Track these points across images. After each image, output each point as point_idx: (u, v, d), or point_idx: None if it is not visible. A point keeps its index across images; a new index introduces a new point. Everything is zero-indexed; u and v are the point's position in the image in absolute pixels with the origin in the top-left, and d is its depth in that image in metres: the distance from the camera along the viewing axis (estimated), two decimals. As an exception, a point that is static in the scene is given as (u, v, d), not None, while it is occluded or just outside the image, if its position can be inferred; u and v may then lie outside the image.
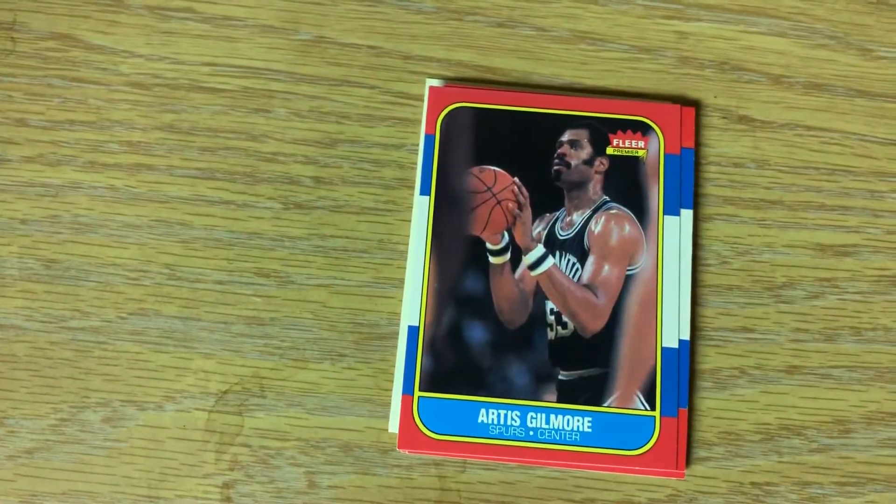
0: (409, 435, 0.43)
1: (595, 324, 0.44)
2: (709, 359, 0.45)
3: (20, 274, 0.45)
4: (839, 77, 0.49)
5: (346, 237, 0.46)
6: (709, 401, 0.45)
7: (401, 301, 0.45)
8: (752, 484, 0.44)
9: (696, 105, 0.48)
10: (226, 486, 0.43)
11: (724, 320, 0.45)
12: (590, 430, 0.43)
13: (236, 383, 0.44)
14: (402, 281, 0.46)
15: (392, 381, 0.44)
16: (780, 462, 0.44)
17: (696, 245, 0.46)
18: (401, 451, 0.43)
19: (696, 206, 0.47)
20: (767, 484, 0.44)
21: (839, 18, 0.49)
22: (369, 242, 0.46)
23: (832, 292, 0.46)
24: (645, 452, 0.43)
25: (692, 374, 0.45)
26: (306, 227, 0.46)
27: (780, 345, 0.45)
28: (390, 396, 0.44)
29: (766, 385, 0.45)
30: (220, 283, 0.45)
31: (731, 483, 0.44)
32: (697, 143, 0.48)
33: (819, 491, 0.44)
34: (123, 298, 0.45)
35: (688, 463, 0.44)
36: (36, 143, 0.47)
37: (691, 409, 0.44)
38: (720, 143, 0.48)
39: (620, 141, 0.46)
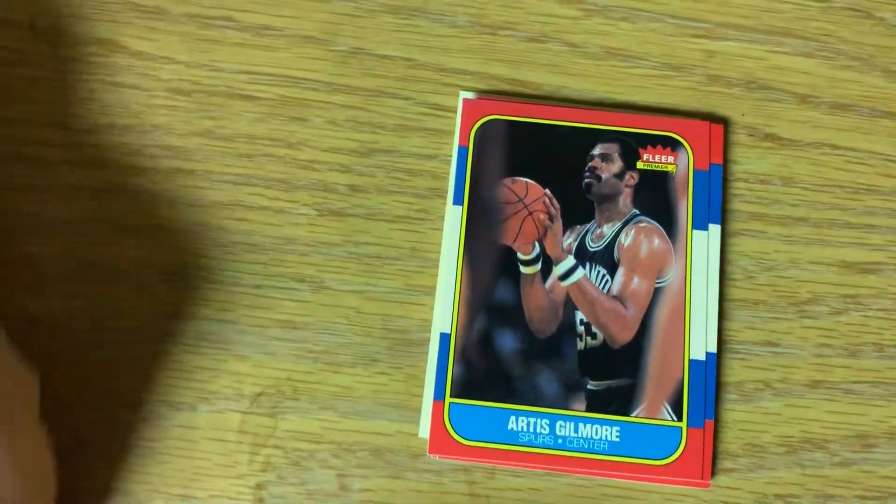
0: (439, 440, 0.43)
1: (624, 335, 0.45)
2: (734, 371, 0.46)
3: (60, 274, 0.46)
4: (864, 98, 0.50)
5: (380, 244, 0.47)
6: (734, 413, 0.45)
7: (431, 308, 0.46)
8: (776, 496, 0.44)
9: (724, 122, 0.49)
10: (258, 486, 0.44)
11: (750, 334, 0.46)
12: (618, 439, 0.43)
13: (270, 386, 0.45)
14: (433, 288, 0.46)
15: (423, 387, 0.45)
16: (803, 475, 0.45)
17: (723, 260, 0.47)
18: (431, 456, 0.44)
19: (723, 222, 0.48)
20: (790, 496, 0.44)
21: (864, 41, 0.50)
22: (402, 250, 0.47)
23: (856, 309, 0.47)
24: (671, 462, 0.43)
25: (718, 387, 0.46)
26: (341, 234, 0.47)
27: (804, 359, 0.46)
28: (421, 402, 0.45)
29: (789, 398, 0.46)
30: (257, 286, 0.46)
31: (755, 494, 0.44)
32: (725, 160, 0.48)
33: (841, 504, 0.44)
34: (160, 300, 0.46)
35: (713, 473, 0.44)
36: (76, 146, 0.48)
37: (717, 421, 0.45)
38: (747, 160, 0.49)
39: (650, 156, 0.47)
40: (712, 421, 0.44)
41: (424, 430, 0.44)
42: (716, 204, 0.47)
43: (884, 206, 0.48)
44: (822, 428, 0.45)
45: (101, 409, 0.45)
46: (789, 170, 0.49)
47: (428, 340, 0.46)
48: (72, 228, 0.47)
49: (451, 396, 0.44)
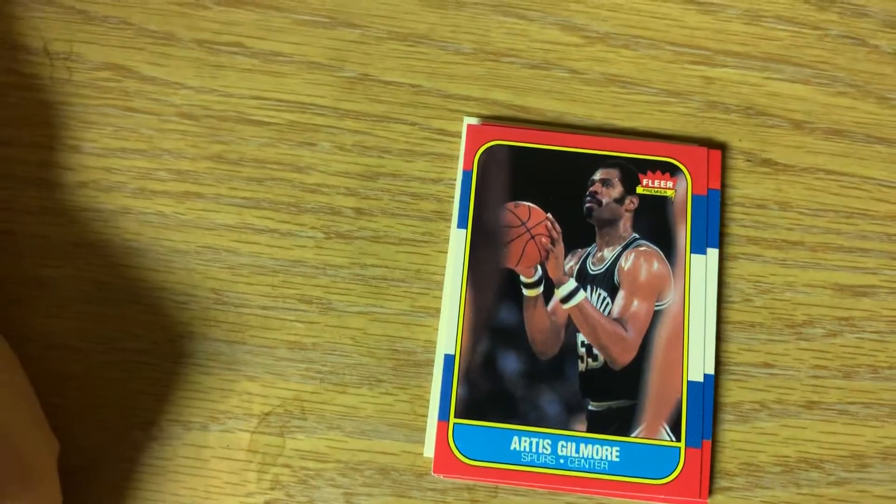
0: (444, 460, 0.44)
1: (624, 357, 0.46)
2: (731, 392, 0.47)
3: (73, 296, 0.47)
4: (858, 124, 0.51)
5: (386, 266, 0.48)
6: (731, 433, 0.46)
7: (436, 329, 0.47)
8: (772, 514, 0.45)
9: (721, 148, 0.50)
10: (267, 504, 0.45)
11: (747, 356, 0.47)
12: (618, 459, 0.45)
13: (278, 405, 0.46)
14: (437, 310, 0.48)
15: (427, 407, 0.46)
16: (798, 494, 0.46)
17: (720, 283, 0.48)
18: (436, 475, 0.45)
19: (721, 246, 0.49)
20: (786, 514, 0.45)
21: (859, 68, 0.52)
22: (407, 272, 0.48)
23: (850, 331, 0.48)
24: (670, 482, 0.44)
25: (715, 407, 0.47)
26: (347, 256, 0.48)
27: (799, 380, 0.47)
28: (426, 422, 0.46)
29: (785, 419, 0.47)
30: (265, 308, 0.47)
31: (752, 513, 0.45)
32: (723, 185, 0.50)
33: (836, 522, 0.45)
34: (172, 321, 0.47)
35: (710, 493, 0.45)
36: (89, 169, 0.49)
37: (714, 441, 0.46)
38: (744, 185, 0.50)
39: (650, 181, 0.48)
40: (710, 441, 0.45)
41: (429, 450, 0.45)
42: (713, 228, 0.48)
43: (877, 230, 0.49)
44: (818, 448, 0.46)
45: (113, 429, 0.46)
46: (785, 194, 0.50)
47: (433, 361, 0.47)
48: (85, 251, 0.48)
49: (455, 417, 0.45)
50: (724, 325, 0.48)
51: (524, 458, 0.44)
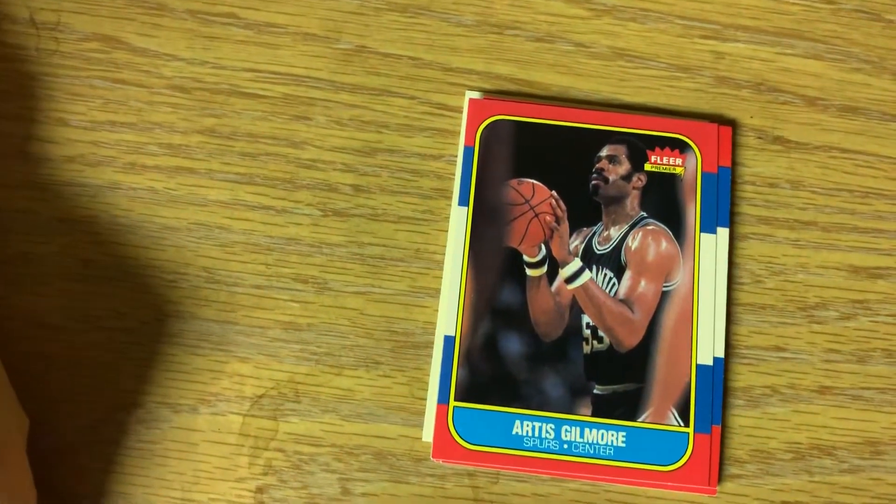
0: (443, 444, 0.43)
1: (631, 339, 0.44)
2: (741, 377, 0.45)
3: (59, 272, 0.46)
4: (874, 101, 0.49)
5: (384, 245, 0.46)
6: (741, 418, 0.45)
7: (436, 310, 0.46)
8: (783, 502, 0.44)
9: (732, 124, 0.48)
10: (259, 490, 0.43)
11: (758, 339, 0.46)
12: (624, 444, 0.43)
13: (272, 388, 0.44)
14: (437, 290, 0.46)
15: (426, 390, 0.44)
16: (810, 481, 0.44)
17: (730, 263, 0.47)
18: (435, 460, 0.43)
19: (731, 225, 0.47)
20: (798, 503, 0.44)
21: (874, 43, 0.50)
22: (406, 251, 0.46)
23: (864, 314, 0.46)
24: (678, 469, 0.43)
25: (725, 392, 0.45)
26: (344, 235, 0.46)
27: (812, 364, 0.46)
28: (424, 405, 0.44)
29: (797, 404, 0.45)
30: (258, 287, 0.46)
31: (762, 501, 0.44)
32: (733, 163, 0.48)
33: (849, 511, 0.44)
34: (161, 300, 0.45)
35: (719, 480, 0.44)
36: (77, 143, 0.47)
37: (724, 427, 0.44)
38: (756, 163, 0.48)
39: (658, 158, 0.47)
40: (719, 426, 0.44)
41: (428, 434, 0.44)
42: (724, 207, 0.47)
43: (893, 210, 0.48)
44: (831, 434, 0.45)
45: (99, 411, 0.44)
46: (798, 173, 0.48)
47: (432, 343, 0.45)
48: (72, 227, 0.46)
49: (455, 400, 0.43)
50: (734, 308, 0.46)
51: (526, 443, 0.43)
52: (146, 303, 0.45)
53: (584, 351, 0.44)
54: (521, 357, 0.44)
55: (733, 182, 0.48)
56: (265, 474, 0.43)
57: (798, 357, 0.46)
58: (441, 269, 0.46)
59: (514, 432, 0.43)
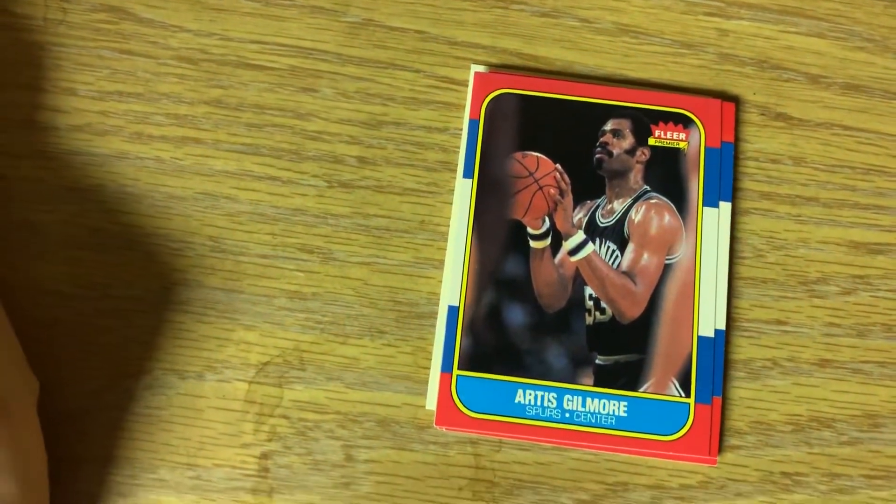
0: (446, 412, 0.43)
1: (633, 311, 0.45)
2: (742, 349, 0.46)
3: (66, 241, 0.46)
4: (876, 79, 0.50)
5: (389, 217, 0.47)
6: (741, 390, 0.45)
7: (440, 281, 0.46)
8: (782, 473, 0.44)
9: (735, 101, 0.49)
10: (263, 456, 0.44)
11: (759, 312, 0.46)
12: (625, 414, 0.43)
13: (277, 356, 0.45)
14: (441, 262, 0.46)
15: (430, 360, 0.45)
16: (809, 453, 0.45)
17: (732, 238, 0.47)
18: (438, 427, 0.43)
19: (733, 200, 0.47)
20: (797, 474, 0.44)
21: (878, 22, 0.50)
22: (411, 223, 0.47)
23: (864, 289, 0.47)
24: (679, 438, 0.43)
25: (726, 364, 0.45)
26: (350, 206, 0.47)
27: (812, 338, 0.46)
28: (428, 374, 0.45)
29: (797, 377, 0.45)
30: (264, 256, 0.46)
31: (762, 472, 0.44)
32: (736, 138, 0.48)
33: (848, 483, 0.44)
34: (167, 268, 0.46)
35: (719, 450, 0.44)
36: (84, 113, 0.48)
37: (724, 398, 0.45)
38: (758, 139, 0.48)
39: (662, 132, 0.47)
40: (720, 398, 0.44)
41: (431, 402, 0.44)
42: (727, 182, 0.47)
43: (894, 187, 0.48)
44: (830, 407, 0.45)
45: (106, 377, 0.44)
46: (800, 150, 0.49)
47: (436, 313, 0.46)
48: (79, 195, 0.47)
49: (458, 369, 0.44)
50: (735, 281, 0.47)
51: (529, 412, 0.43)
52: (153, 271, 0.46)
53: (587, 322, 0.45)
54: (524, 327, 0.44)
55: (736, 157, 0.48)
56: (270, 440, 0.44)
57: (798, 331, 0.46)
58: (445, 240, 0.46)
59: (516, 401, 0.43)
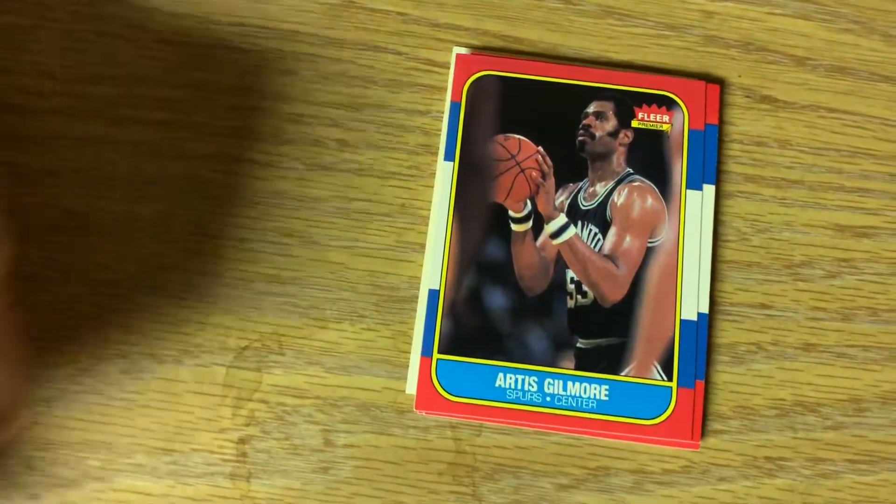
0: (426, 396, 0.43)
1: (615, 294, 0.44)
2: (726, 333, 0.45)
3: (44, 224, 0.45)
4: (862, 61, 0.49)
5: (370, 200, 0.46)
6: (725, 374, 0.45)
7: (421, 265, 0.45)
8: (766, 458, 0.44)
9: (720, 83, 0.48)
10: (241, 441, 0.43)
11: (743, 296, 0.46)
12: (606, 398, 0.43)
13: (256, 340, 0.44)
14: (422, 245, 0.46)
15: (410, 344, 0.44)
16: (794, 438, 0.44)
17: (716, 221, 0.46)
18: (418, 411, 0.43)
19: (718, 183, 0.47)
20: (781, 459, 0.44)
21: (864, 4, 0.50)
22: (392, 206, 0.46)
23: (850, 273, 0.46)
24: (661, 422, 0.43)
25: (709, 348, 0.45)
26: (330, 189, 0.46)
27: (797, 322, 0.45)
28: (408, 358, 0.44)
29: (782, 361, 0.45)
30: (243, 240, 0.46)
31: (745, 457, 0.44)
32: (721, 121, 0.48)
33: (832, 468, 0.44)
34: (145, 252, 0.45)
35: (703, 435, 0.44)
36: (63, 96, 0.47)
37: (708, 383, 0.44)
38: (743, 122, 0.48)
39: (645, 115, 0.47)
40: (703, 382, 0.44)
41: (411, 387, 0.44)
42: (710, 164, 0.46)
43: (880, 170, 0.48)
44: (815, 391, 0.45)
45: (82, 362, 0.44)
46: (785, 132, 0.48)
47: (416, 297, 0.45)
48: (57, 179, 0.46)
49: (438, 352, 0.43)
50: (719, 265, 0.46)
51: (509, 396, 0.43)
52: (131, 255, 0.45)
53: (568, 305, 0.44)
54: (505, 311, 0.44)
55: (721, 140, 0.48)
56: (248, 425, 0.43)
57: (783, 314, 0.46)
58: (426, 224, 0.46)
59: (497, 385, 0.43)
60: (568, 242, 0.45)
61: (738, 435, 0.44)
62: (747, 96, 0.48)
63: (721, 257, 0.46)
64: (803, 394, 0.45)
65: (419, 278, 0.45)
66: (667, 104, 0.47)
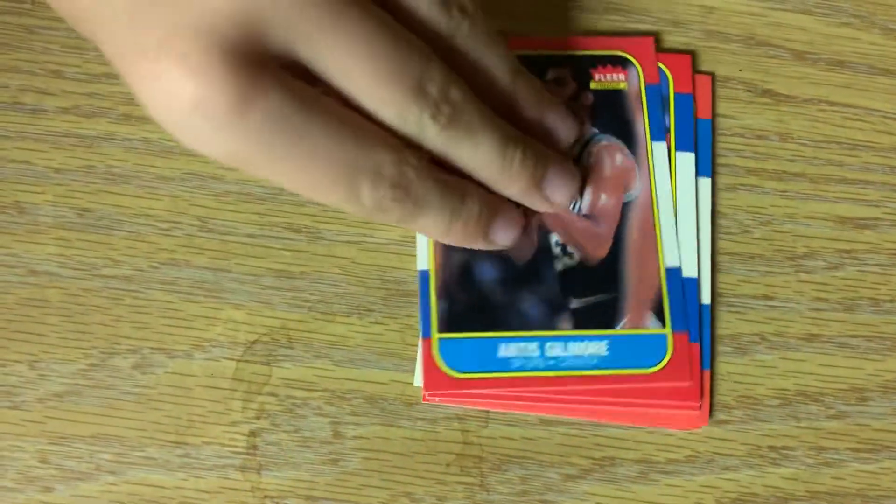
0: (432, 377, 0.43)
1: (599, 251, 0.45)
2: (730, 324, 0.46)
3: (54, 222, 0.46)
4: (862, 55, 0.50)
5: (376, 196, 0.47)
6: (729, 365, 0.45)
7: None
8: (770, 447, 0.44)
9: (712, 75, 0.49)
10: (252, 434, 0.44)
11: (746, 287, 0.46)
12: (607, 352, 0.44)
13: (265, 334, 0.45)
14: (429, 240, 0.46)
15: (417, 336, 0.45)
16: (797, 427, 0.45)
17: (719, 213, 0.47)
18: (426, 393, 0.43)
19: (717, 175, 0.47)
20: (784, 448, 0.44)
21: (863, -2, 0.50)
22: (398, 202, 0.47)
23: (851, 264, 0.47)
24: (660, 369, 0.44)
25: (713, 339, 0.45)
26: (337, 185, 0.47)
27: (799, 313, 0.46)
28: (416, 351, 0.45)
29: (785, 352, 0.46)
30: (251, 236, 0.46)
31: (749, 446, 0.44)
32: (720, 115, 0.48)
33: (835, 456, 0.44)
34: (155, 248, 0.46)
35: (707, 425, 0.44)
36: (72, 95, 0.48)
37: (712, 373, 0.45)
38: (744, 116, 0.49)
39: (601, 76, 0.47)
40: (686, 332, 0.44)
41: (419, 379, 0.44)
42: (706, 156, 0.47)
43: (880, 162, 0.48)
44: (817, 381, 0.45)
45: (94, 357, 0.45)
46: (786, 125, 0.49)
47: (423, 291, 0.46)
48: (67, 177, 0.47)
49: (438, 332, 0.44)
50: (722, 257, 0.47)
51: (513, 364, 0.43)
52: (141, 251, 0.46)
53: (557, 268, 0.45)
54: (497, 282, 0.45)
55: (722, 134, 0.48)
56: (258, 418, 0.44)
57: (786, 305, 0.46)
58: (432, 218, 0.47)
59: (500, 356, 0.44)
60: None
61: (742, 425, 0.45)
62: (748, 91, 0.49)
63: (724, 249, 0.47)
64: (806, 383, 0.45)
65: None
66: (621, 63, 0.48)
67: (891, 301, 0.46)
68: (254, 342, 0.45)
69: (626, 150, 0.46)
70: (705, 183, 0.47)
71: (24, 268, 0.46)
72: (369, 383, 0.45)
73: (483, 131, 0.39)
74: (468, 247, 0.43)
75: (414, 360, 0.45)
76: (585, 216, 0.46)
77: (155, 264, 0.46)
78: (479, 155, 0.39)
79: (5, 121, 0.47)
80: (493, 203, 0.42)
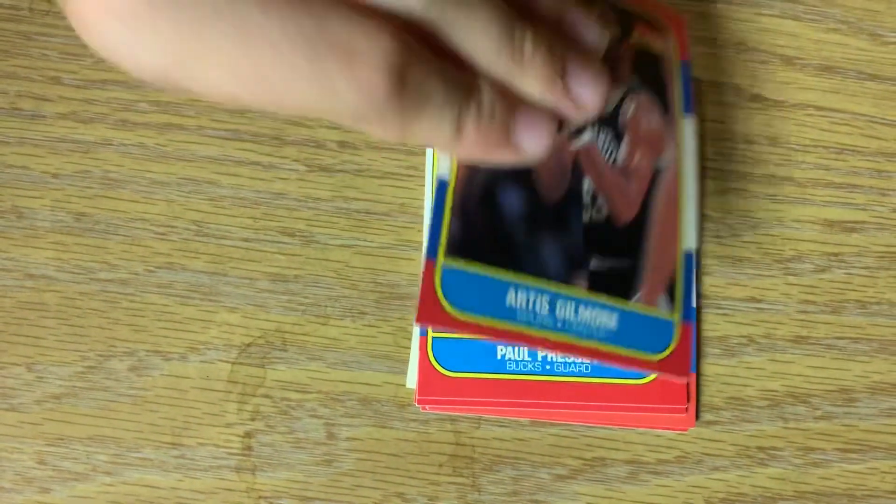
0: (430, 308, 0.36)
1: (626, 211, 0.42)
2: (718, 326, 0.46)
3: (51, 226, 0.47)
4: (850, 61, 0.50)
5: (369, 200, 0.47)
6: (717, 367, 0.46)
7: (420, 263, 0.47)
8: (758, 448, 0.45)
9: (710, 82, 0.49)
10: (247, 435, 0.44)
11: (734, 290, 0.47)
12: (616, 326, 0.41)
13: (259, 337, 0.46)
14: (421, 244, 0.47)
15: (410, 339, 0.46)
16: (785, 428, 0.45)
17: (708, 218, 0.48)
18: (418, 324, 0.37)
19: (705, 179, 0.48)
20: (772, 448, 0.45)
21: (851, 4, 0.51)
22: (391, 206, 0.47)
23: (839, 266, 0.47)
24: (663, 359, 0.41)
25: (700, 341, 0.46)
26: (330, 190, 0.48)
27: (787, 315, 0.47)
28: (408, 353, 0.45)
29: (773, 353, 0.46)
30: (246, 240, 0.47)
31: (738, 446, 0.45)
32: (710, 119, 0.49)
33: (822, 457, 0.45)
34: (151, 252, 0.46)
35: (695, 426, 0.45)
36: (69, 101, 0.48)
37: (699, 375, 0.46)
38: (734, 120, 0.49)
39: (640, 34, 0.45)
40: (691, 324, 0.42)
41: (411, 381, 0.45)
42: (688, 96, 0.45)
43: (867, 166, 0.49)
44: (805, 382, 0.46)
45: (90, 359, 0.45)
46: (775, 130, 0.49)
47: (415, 295, 0.46)
48: (64, 182, 0.47)
49: (445, 256, 0.37)
50: (711, 260, 0.47)
51: (520, 316, 0.38)
52: (137, 255, 0.46)
53: (584, 219, 0.41)
54: (520, 216, 0.40)
55: (711, 138, 0.49)
56: (253, 420, 0.45)
57: (774, 308, 0.47)
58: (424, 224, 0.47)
59: (507, 304, 0.38)
60: (586, 147, 0.42)
61: (731, 425, 0.45)
62: (737, 95, 0.50)
63: (713, 252, 0.47)
64: (794, 385, 0.46)
65: (418, 276, 0.47)
66: (659, 29, 0.45)
67: (877, 303, 0.47)
68: (249, 345, 0.46)
69: (662, 113, 0.44)
70: (689, 122, 0.45)
71: (22, 272, 0.46)
72: (362, 385, 0.45)
73: (480, 4, 0.32)
74: (494, 160, 0.35)
75: (406, 361, 0.45)
76: (619, 171, 0.42)
77: (151, 268, 0.46)
78: (477, 32, 0.32)
79: (4, 126, 0.48)
80: (510, 98, 0.34)
